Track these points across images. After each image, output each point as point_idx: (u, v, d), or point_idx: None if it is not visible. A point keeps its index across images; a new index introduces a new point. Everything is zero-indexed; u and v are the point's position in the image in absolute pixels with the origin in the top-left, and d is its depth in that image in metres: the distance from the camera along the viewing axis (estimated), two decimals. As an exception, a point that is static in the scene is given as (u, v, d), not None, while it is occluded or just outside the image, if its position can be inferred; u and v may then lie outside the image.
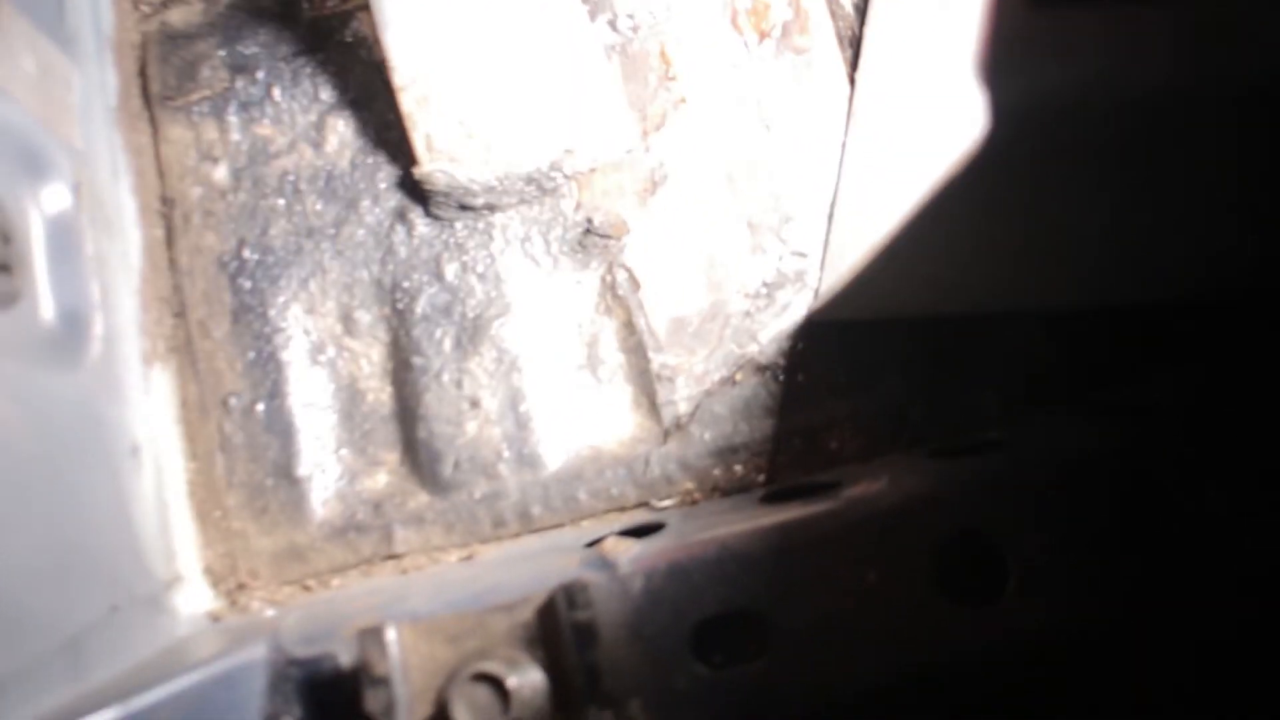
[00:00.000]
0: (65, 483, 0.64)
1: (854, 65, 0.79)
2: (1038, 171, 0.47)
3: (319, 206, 0.79)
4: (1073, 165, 0.47)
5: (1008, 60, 0.41)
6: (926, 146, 0.64)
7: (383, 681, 0.60)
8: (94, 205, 0.73)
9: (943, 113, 0.62)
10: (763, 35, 0.80)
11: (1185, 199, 0.49)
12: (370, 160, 0.79)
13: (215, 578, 0.74)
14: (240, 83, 0.81)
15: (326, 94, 0.81)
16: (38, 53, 0.70)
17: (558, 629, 0.61)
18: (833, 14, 0.81)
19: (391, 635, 0.62)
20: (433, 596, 0.66)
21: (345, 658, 0.63)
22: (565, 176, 0.74)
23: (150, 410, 0.74)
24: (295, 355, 0.77)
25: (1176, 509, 0.65)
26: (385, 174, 0.79)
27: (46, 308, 0.66)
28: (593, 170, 0.76)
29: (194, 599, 0.73)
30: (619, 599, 0.62)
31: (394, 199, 0.78)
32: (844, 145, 0.77)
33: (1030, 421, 0.73)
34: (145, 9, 0.84)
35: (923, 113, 0.66)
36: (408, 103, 0.74)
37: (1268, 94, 0.40)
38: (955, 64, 0.62)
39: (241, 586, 0.74)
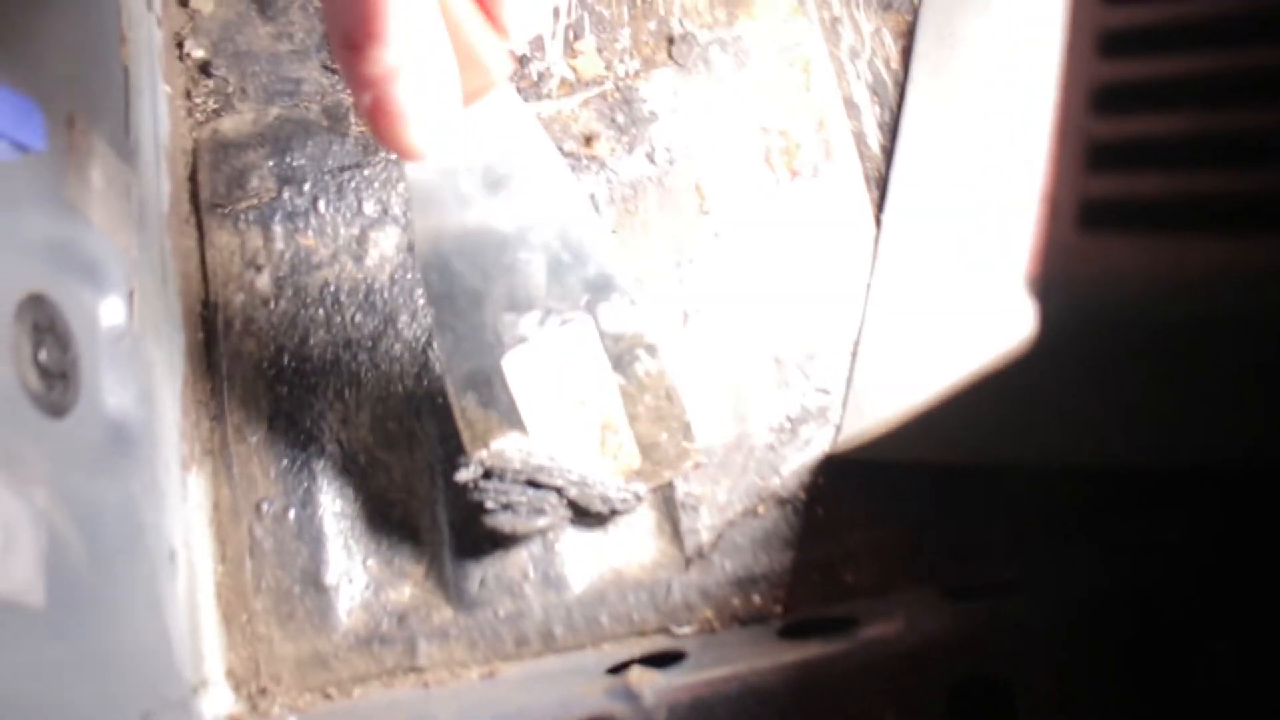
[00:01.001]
0: (109, 591, 0.66)
1: (880, 206, 0.82)
2: (1080, 371, 0.50)
3: (358, 319, 0.81)
4: (1118, 371, 0.50)
5: (1057, 273, 0.44)
6: (952, 312, 0.67)
7: (407, 803, 0.62)
8: (145, 311, 0.75)
9: (973, 291, 0.65)
10: (794, 174, 0.83)
11: (1227, 400, 0.52)
12: (409, 277, 0.82)
13: (237, 681, 0.76)
14: (287, 193, 0.84)
15: (370, 209, 0.84)
16: (105, 166, 0.73)
17: (582, 759, 0.63)
18: (861, 155, 0.84)
19: (418, 758, 0.64)
20: (456, 717, 0.67)
21: (370, 775, 0.65)
22: (637, 498, 0.76)
23: (186, 514, 0.76)
24: (328, 464, 0.79)
25: (1184, 652, 0.68)
26: (422, 291, 0.81)
27: (98, 415, 0.68)
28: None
29: (217, 703, 0.74)
30: (642, 731, 0.64)
31: (430, 315, 0.81)
32: (869, 286, 0.80)
33: (1043, 559, 0.75)
34: (199, 117, 0.87)
35: (950, 280, 0.70)
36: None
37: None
38: (982, 252, 0.66)
39: (263, 691, 0.75)
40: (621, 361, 0.76)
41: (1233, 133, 0.41)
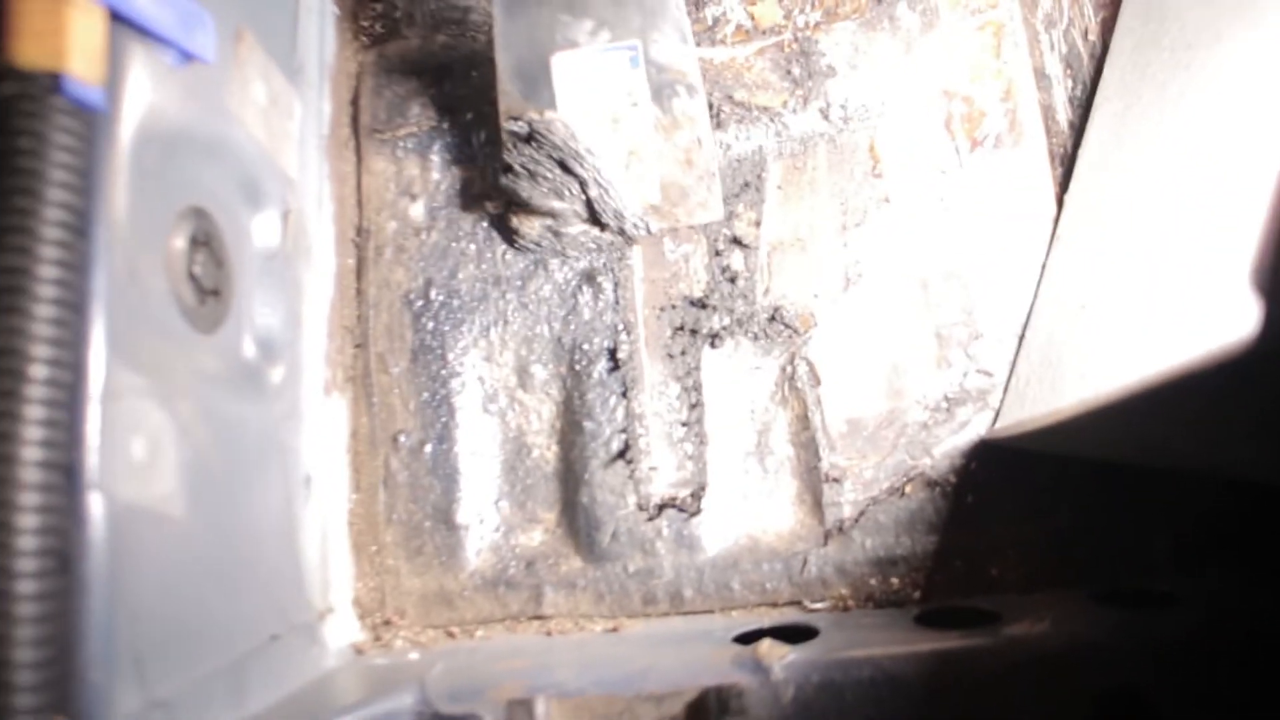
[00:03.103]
0: (247, 508, 0.66)
1: (1064, 186, 0.78)
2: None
3: (509, 257, 0.80)
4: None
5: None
6: (1142, 305, 0.62)
7: (527, 755, 0.61)
8: (298, 233, 0.75)
9: (1170, 284, 0.60)
10: (975, 143, 0.79)
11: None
12: (566, 217, 0.80)
13: (363, 610, 0.76)
14: (448, 123, 0.83)
15: (530, 145, 0.82)
16: (270, 82, 0.72)
17: (707, 728, 0.61)
18: (1048, 129, 0.79)
19: (541, 709, 0.63)
20: (581, 672, 0.66)
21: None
22: (648, 229, 0.78)
23: (324, 439, 0.76)
24: (468, 401, 0.78)
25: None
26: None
27: (248, 332, 0.68)
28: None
29: (342, 630, 0.74)
30: (769, 706, 0.62)
31: (584, 261, 0.79)
32: (1044, 268, 0.75)
33: (1202, 578, 0.71)
34: (364, 40, 0.86)
35: (1139, 271, 0.65)
36: None
37: None
38: (1184, 242, 0.60)
39: (387, 623, 0.75)
40: (661, 94, 0.76)
41: None
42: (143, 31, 0.59)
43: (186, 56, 0.63)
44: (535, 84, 0.75)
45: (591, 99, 0.75)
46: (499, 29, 0.76)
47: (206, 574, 0.61)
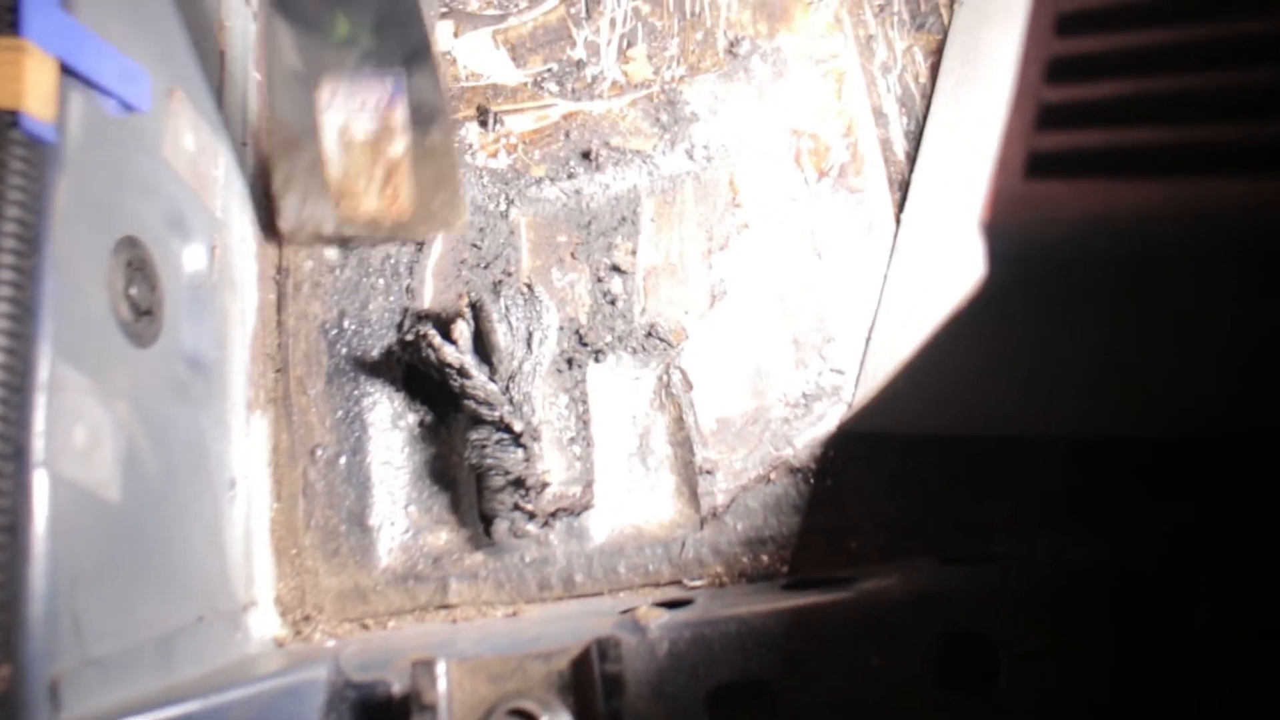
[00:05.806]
0: (176, 502, 0.73)
1: (901, 207, 0.89)
2: (1032, 313, 0.55)
3: (414, 289, 0.89)
4: (1065, 309, 0.55)
5: (1004, 217, 0.50)
6: (949, 286, 0.72)
7: (429, 709, 0.67)
8: (223, 266, 0.83)
9: (959, 260, 0.70)
10: (821, 174, 0.90)
11: (1171, 343, 0.57)
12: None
13: (285, 607, 0.83)
14: (358, 174, 0.92)
15: (432, 190, 0.91)
16: (198, 133, 0.81)
17: (589, 678, 0.68)
18: (886, 159, 0.91)
19: (441, 668, 0.69)
20: (479, 641, 0.73)
21: (398, 685, 0.70)
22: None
23: (248, 451, 0.84)
24: (378, 417, 0.86)
25: (1164, 620, 0.71)
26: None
27: (178, 349, 0.76)
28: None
29: (264, 624, 0.81)
30: (646, 658, 0.69)
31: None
32: (885, 278, 0.86)
33: (1035, 537, 0.80)
34: (283, 103, 0.95)
35: (946, 259, 0.75)
36: None
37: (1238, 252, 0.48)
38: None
39: (307, 618, 0.82)
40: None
41: (1165, 94, 0.47)
42: (89, 83, 0.69)
43: (126, 107, 0.72)
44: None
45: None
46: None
47: (139, 553, 0.68)
